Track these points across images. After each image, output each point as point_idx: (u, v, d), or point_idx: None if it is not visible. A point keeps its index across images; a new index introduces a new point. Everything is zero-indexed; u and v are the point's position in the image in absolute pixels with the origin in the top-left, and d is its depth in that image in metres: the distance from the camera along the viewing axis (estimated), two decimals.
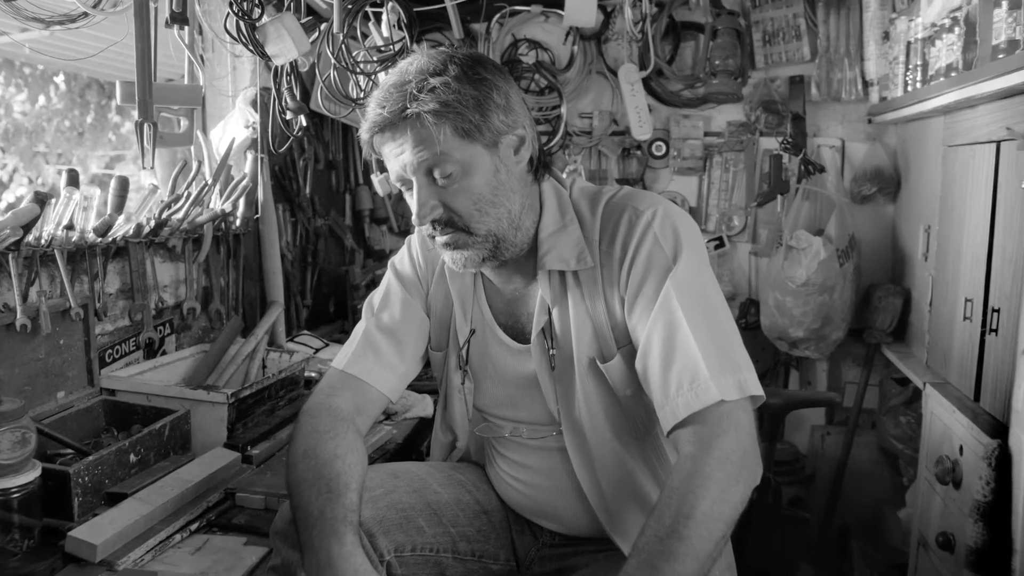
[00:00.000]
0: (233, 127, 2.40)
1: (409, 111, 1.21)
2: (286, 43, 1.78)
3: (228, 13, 1.74)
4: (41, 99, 5.28)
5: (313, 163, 2.89)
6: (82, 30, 1.91)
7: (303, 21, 1.84)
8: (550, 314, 1.36)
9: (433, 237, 1.31)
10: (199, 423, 1.81)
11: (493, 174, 1.28)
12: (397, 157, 1.26)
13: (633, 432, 1.37)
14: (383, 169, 2.75)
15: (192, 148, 2.38)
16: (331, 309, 3.14)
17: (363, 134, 1.31)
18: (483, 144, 1.26)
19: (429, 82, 1.22)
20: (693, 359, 1.18)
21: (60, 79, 5.36)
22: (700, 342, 1.18)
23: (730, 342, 1.23)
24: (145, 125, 1.57)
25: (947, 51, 2.06)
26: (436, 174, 1.25)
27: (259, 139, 2.28)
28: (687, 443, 1.16)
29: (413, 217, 1.29)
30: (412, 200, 1.29)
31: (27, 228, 1.56)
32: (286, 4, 1.83)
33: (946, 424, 2.01)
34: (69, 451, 1.63)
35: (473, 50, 1.70)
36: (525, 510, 1.53)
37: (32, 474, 1.37)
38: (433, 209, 1.26)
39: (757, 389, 1.20)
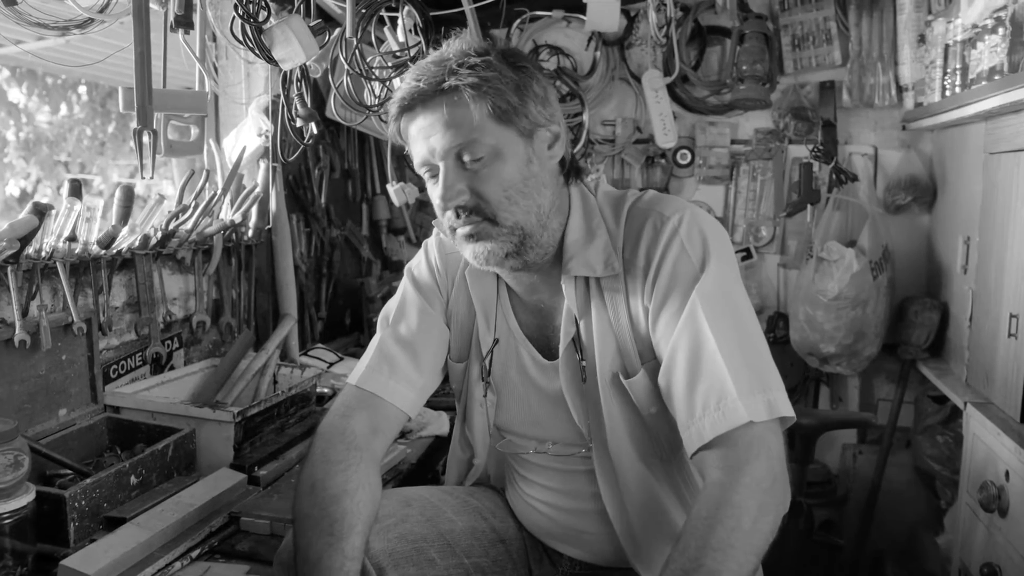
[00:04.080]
0: (246, 135, 2.35)
1: (447, 84, 1.16)
2: (293, 47, 1.71)
3: (233, 16, 1.68)
4: (63, 108, 5.30)
5: (328, 172, 2.83)
6: (96, 38, 1.87)
7: (312, 24, 1.78)
8: (578, 325, 1.28)
9: (454, 230, 1.24)
10: (205, 442, 1.74)
11: (526, 164, 1.22)
12: (426, 139, 1.19)
13: (658, 453, 1.29)
14: (400, 178, 2.69)
15: (205, 157, 2.32)
16: (347, 321, 3.08)
17: (391, 109, 1.24)
18: (518, 131, 1.21)
19: (470, 59, 1.18)
20: (720, 377, 1.11)
21: (82, 89, 5.39)
22: (728, 359, 1.11)
23: (759, 358, 1.15)
24: (144, 133, 1.51)
25: (990, 53, 1.96)
26: (466, 157, 1.18)
27: (271, 147, 2.22)
28: (714, 468, 1.09)
29: (436, 201, 1.21)
30: (436, 187, 1.22)
31: (25, 240, 1.51)
32: (295, 7, 1.76)
33: (989, 447, 1.90)
34: (69, 471, 1.58)
35: None
36: (546, 534, 1.46)
37: (25, 499, 1.31)
38: (459, 193, 1.19)
39: (788, 410, 1.13)
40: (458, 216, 1.21)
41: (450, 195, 1.19)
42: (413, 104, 1.20)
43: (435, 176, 1.22)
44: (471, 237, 1.22)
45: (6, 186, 4.99)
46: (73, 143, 5.34)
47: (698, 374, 1.13)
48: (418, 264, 1.47)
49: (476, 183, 1.19)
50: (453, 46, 1.22)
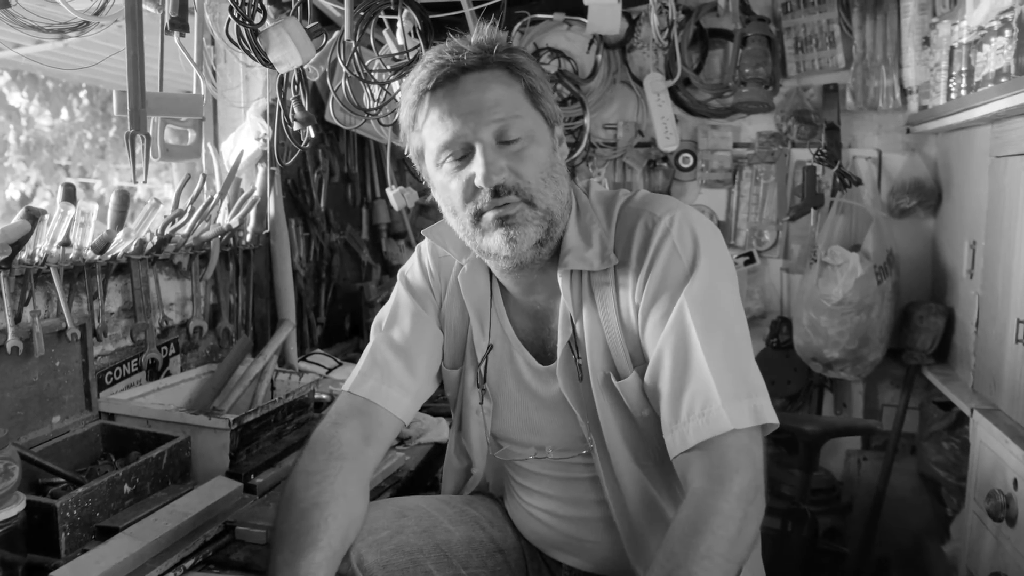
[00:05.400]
0: (244, 139, 2.33)
1: (491, 59, 1.17)
2: (289, 50, 1.69)
3: (229, 19, 1.66)
4: (64, 113, 5.28)
5: (328, 176, 2.81)
6: (95, 41, 1.85)
7: (308, 27, 1.75)
8: (573, 324, 1.27)
9: (479, 216, 1.19)
10: (200, 450, 1.72)
11: (552, 151, 1.23)
12: (462, 116, 1.16)
13: (652, 456, 1.27)
14: (401, 182, 2.67)
15: (204, 161, 2.31)
16: (346, 326, 3.06)
17: (410, 92, 1.21)
18: (544, 117, 1.22)
19: (504, 44, 1.20)
20: (705, 382, 1.11)
21: (83, 93, 5.37)
22: (713, 364, 1.11)
23: (745, 363, 1.15)
24: (137, 137, 1.49)
25: (996, 55, 1.94)
26: (509, 135, 1.17)
27: (269, 151, 2.19)
28: (700, 475, 1.09)
29: (478, 179, 1.16)
30: (463, 170, 1.19)
31: (17, 246, 1.48)
32: (292, 8, 1.74)
33: (997, 455, 1.87)
34: (62, 479, 1.55)
35: None
36: (546, 543, 1.43)
37: (15, 508, 1.29)
38: (501, 170, 1.16)
39: (771, 417, 1.13)
40: (497, 195, 1.17)
41: (494, 170, 1.15)
42: (448, 80, 1.17)
43: (460, 159, 1.19)
44: (505, 220, 1.18)
45: (6, 190, 4.97)
46: (74, 147, 5.33)
47: (684, 378, 1.13)
48: (411, 268, 1.45)
49: (515, 163, 1.17)
50: (474, 36, 1.21)
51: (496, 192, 1.17)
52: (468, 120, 1.16)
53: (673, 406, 1.14)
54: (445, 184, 1.22)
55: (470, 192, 1.19)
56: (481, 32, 1.22)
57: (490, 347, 1.36)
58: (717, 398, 1.10)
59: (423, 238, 1.44)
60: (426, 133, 1.22)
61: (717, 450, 1.09)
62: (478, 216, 1.20)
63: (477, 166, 1.16)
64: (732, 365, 1.13)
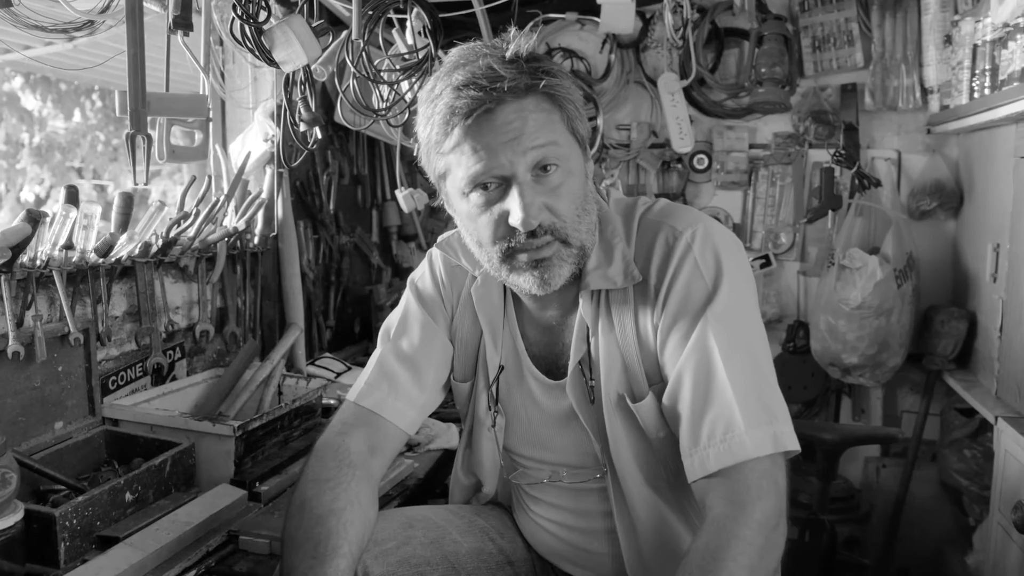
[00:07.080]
0: (252, 140, 2.30)
1: (534, 87, 1.07)
2: (294, 48, 1.65)
3: (233, 17, 1.63)
4: (77, 115, 5.29)
5: (337, 178, 2.78)
6: (104, 43, 1.82)
7: (314, 25, 1.72)
8: (589, 343, 1.22)
9: (511, 255, 1.12)
10: (205, 457, 1.69)
11: (585, 179, 1.16)
12: (496, 148, 1.06)
13: (665, 477, 1.23)
14: (411, 184, 2.63)
15: (211, 162, 2.28)
16: (356, 330, 3.02)
17: (443, 111, 1.07)
18: (579, 143, 1.15)
19: (544, 64, 1.10)
20: (728, 407, 1.07)
21: (96, 95, 5.37)
22: (737, 388, 1.07)
23: (768, 387, 1.11)
24: (138, 137, 1.45)
25: (1022, 53, 1.88)
26: (548, 169, 1.09)
27: (277, 153, 2.17)
28: (721, 500, 1.05)
29: (514, 220, 1.08)
30: (495, 206, 1.10)
31: (18, 249, 1.46)
32: (299, 7, 1.71)
33: (1023, 464, 1.81)
34: (63, 487, 1.52)
35: None
36: (556, 554, 1.40)
37: (13, 518, 1.26)
38: (541, 210, 1.09)
39: (792, 443, 1.08)
40: (533, 235, 1.10)
41: (534, 212, 1.07)
42: (482, 107, 1.05)
43: (491, 191, 1.10)
44: (538, 264, 1.12)
45: (20, 192, 4.98)
46: (87, 149, 5.33)
47: (706, 402, 1.09)
48: (422, 276, 1.40)
49: (552, 199, 1.10)
50: (509, 50, 1.09)
51: (532, 233, 1.10)
52: (504, 152, 1.07)
53: (693, 430, 1.09)
54: (472, 216, 1.14)
55: (502, 231, 1.11)
56: (516, 43, 1.10)
57: (501, 368, 1.32)
58: (740, 424, 1.06)
59: (434, 239, 1.40)
60: (452, 159, 1.11)
61: (739, 476, 1.05)
62: (509, 254, 1.13)
63: (514, 206, 1.08)
64: (755, 390, 1.09)
